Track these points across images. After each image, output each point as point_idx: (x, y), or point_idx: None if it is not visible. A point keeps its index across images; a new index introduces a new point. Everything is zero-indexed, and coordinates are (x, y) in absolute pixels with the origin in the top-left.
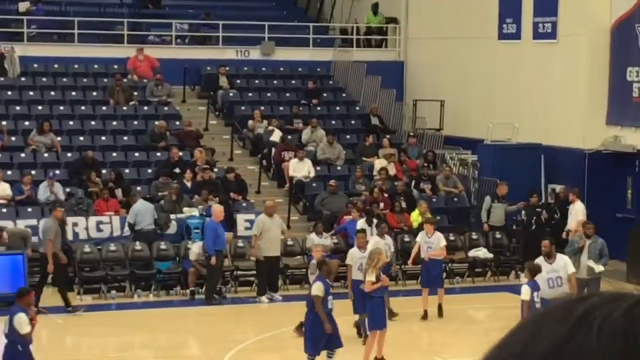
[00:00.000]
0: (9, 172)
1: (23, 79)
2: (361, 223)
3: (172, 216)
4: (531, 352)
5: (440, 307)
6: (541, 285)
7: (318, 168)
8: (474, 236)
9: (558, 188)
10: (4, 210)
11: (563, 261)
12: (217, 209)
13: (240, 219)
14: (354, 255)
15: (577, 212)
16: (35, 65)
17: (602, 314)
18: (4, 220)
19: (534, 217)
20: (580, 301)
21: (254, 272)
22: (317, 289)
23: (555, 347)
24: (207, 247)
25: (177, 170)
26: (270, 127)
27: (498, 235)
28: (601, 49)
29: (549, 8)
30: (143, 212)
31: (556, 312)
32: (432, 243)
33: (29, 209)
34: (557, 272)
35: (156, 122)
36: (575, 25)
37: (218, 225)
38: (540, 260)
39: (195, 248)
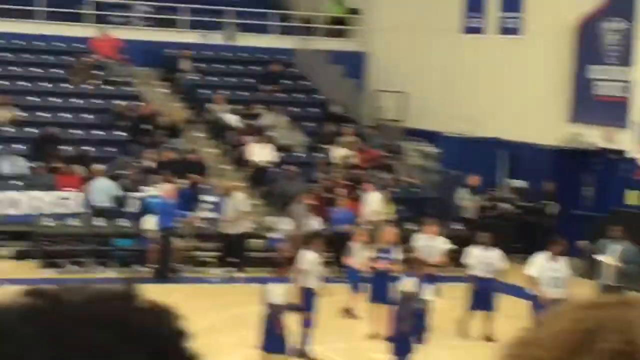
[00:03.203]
0: None
1: None
2: None
3: (133, 194)
4: None
5: None
6: None
7: (279, 154)
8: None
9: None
10: None
11: None
12: (168, 188)
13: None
14: None
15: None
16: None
17: None
18: None
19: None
20: None
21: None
22: None
23: None
24: (159, 224)
25: (140, 149)
26: (231, 111)
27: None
28: (565, 46)
29: (515, 3)
30: (100, 189)
31: None
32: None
33: None
34: None
35: (117, 102)
36: (540, 22)
37: (169, 204)
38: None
39: (147, 224)
